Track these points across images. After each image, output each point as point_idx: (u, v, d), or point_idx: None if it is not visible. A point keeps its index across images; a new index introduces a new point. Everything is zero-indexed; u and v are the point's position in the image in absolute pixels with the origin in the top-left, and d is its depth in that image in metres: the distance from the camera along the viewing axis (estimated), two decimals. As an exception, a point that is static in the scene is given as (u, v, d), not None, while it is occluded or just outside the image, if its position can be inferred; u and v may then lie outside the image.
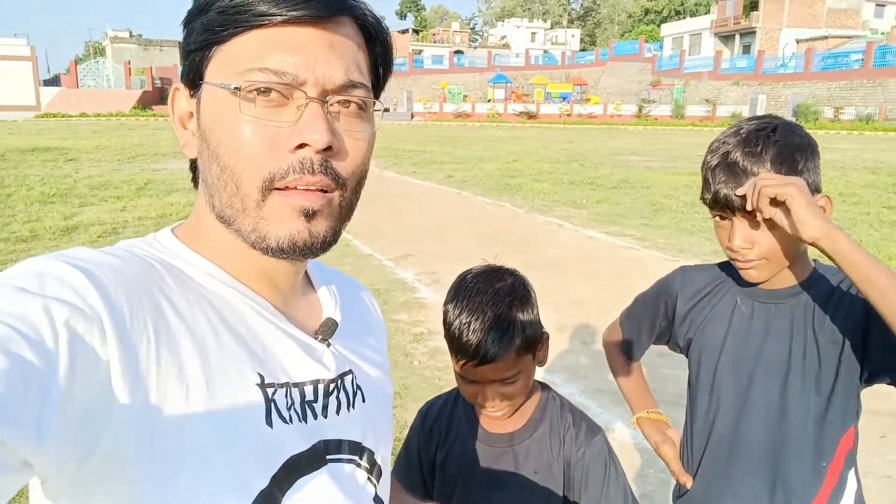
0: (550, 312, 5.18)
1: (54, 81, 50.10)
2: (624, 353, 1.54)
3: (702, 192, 1.24)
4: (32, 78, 43.12)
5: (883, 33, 45.16)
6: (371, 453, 0.73)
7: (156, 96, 45.81)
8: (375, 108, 0.67)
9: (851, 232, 8.06)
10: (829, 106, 35.10)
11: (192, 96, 0.65)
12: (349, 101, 0.63)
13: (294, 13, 0.58)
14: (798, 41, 46.21)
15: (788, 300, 1.24)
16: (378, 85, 0.69)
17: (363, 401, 0.74)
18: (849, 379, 1.20)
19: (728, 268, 1.35)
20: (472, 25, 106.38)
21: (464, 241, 7.66)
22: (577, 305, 5.43)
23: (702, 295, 1.36)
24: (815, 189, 1.15)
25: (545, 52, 66.66)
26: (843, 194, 11.14)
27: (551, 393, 1.29)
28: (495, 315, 1.11)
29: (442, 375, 4.04)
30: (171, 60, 54.36)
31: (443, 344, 4.51)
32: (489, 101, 46.74)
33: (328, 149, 0.60)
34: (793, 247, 1.18)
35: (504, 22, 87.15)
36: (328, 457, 0.67)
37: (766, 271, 1.20)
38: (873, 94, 33.99)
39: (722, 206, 1.19)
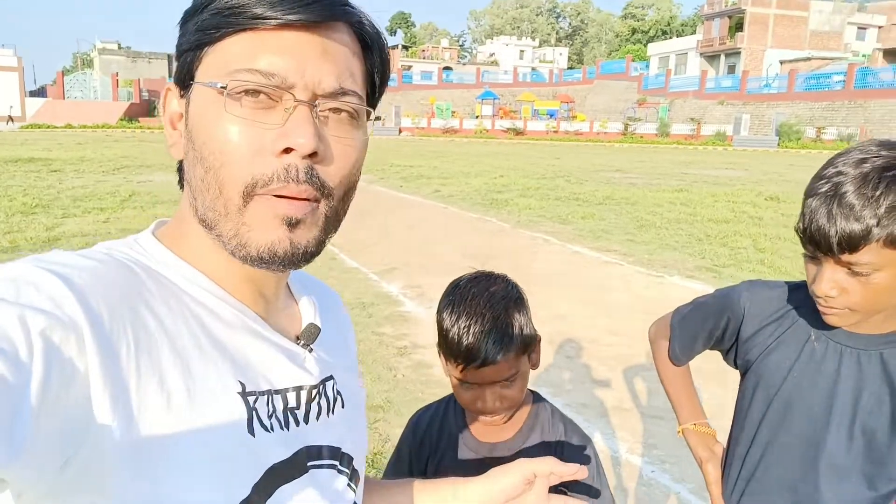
0: (536, 326, 5.17)
1: (40, 92, 49.84)
2: (671, 355, 1.45)
3: (797, 221, 1.08)
4: (18, 89, 42.86)
5: (864, 56, 46.05)
6: (350, 458, 0.73)
7: (143, 108, 45.68)
8: (368, 118, 0.65)
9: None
10: (811, 126, 35.62)
11: (182, 96, 0.64)
12: (340, 109, 0.61)
13: (290, 17, 0.57)
14: (782, 62, 46.98)
15: (871, 348, 1.14)
16: (373, 95, 0.68)
17: (342, 406, 0.74)
18: None
19: (804, 292, 1.21)
20: (461, 42, 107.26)
21: (450, 256, 7.66)
22: (562, 320, 5.43)
23: (771, 319, 1.25)
24: None
25: (533, 69, 67.26)
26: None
27: (543, 402, 1.28)
28: (494, 317, 1.11)
29: (425, 389, 4.02)
30: (160, 73, 54.34)
31: (427, 357, 4.51)
32: (477, 117, 47.04)
33: (314, 155, 0.58)
34: (890, 300, 1.05)
35: (493, 40, 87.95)
36: (309, 463, 0.66)
37: (850, 320, 1.08)
38: (854, 114, 34.56)
39: (814, 243, 1.03)
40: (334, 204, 0.62)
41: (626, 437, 3.55)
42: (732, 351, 1.34)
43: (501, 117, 46.08)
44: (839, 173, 1.01)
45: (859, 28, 53.65)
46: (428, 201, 12.35)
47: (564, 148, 32.16)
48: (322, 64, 0.59)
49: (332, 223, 0.64)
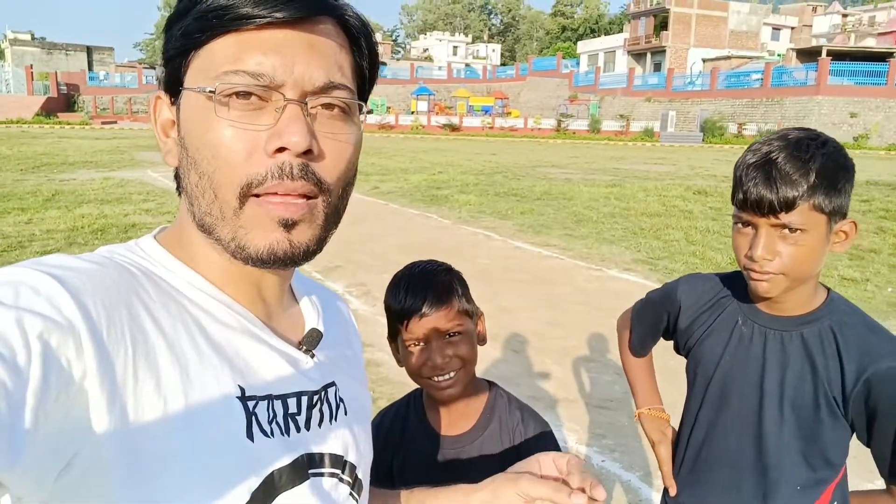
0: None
1: (-54, 85, 46.59)
2: (632, 347, 1.55)
3: (733, 193, 1.17)
4: (-79, 81, 40.04)
5: (779, 55, 48.44)
6: (353, 467, 0.72)
7: (61, 103, 43.47)
8: (361, 112, 0.65)
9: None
10: (733, 122, 37.18)
11: (172, 104, 0.63)
12: (332, 104, 0.61)
13: (276, 14, 0.56)
14: (704, 60, 48.83)
15: (792, 329, 1.21)
16: (365, 88, 0.67)
17: (345, 414, 0.73)
18: (838, 426, 1.19)
19: (732, 281, 1.32)
20: (394, 37, 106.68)
21: (393, 253, 7.64)
22: (506, 314, 5.51)
23: (704, 308, 1.34)
24: (843, 214, 1.12)
25: (467, 65, 67.62)
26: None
27: (499, 390, 1.32)
28: (432, 275, 1.23)
29: (376, 388, 4.01)
30: (79, 66, 51.67)
31: (376, 356, 4.46)
32: (413, 113, 46.90)
33: (308, 152, 0.58)
34: (814, 266, 1.14)
35: (426, 35, 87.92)
36: (310, 471, 0.65)
37: (779, 287, 1.14)
38: (772, 111, 36.25)
39: (752, 209, 1.12)
40: (333, 200, 0.62)
41: (574, 427, 3.65)
42: (675, 340, 1.44)
43: (437, 113, 46.12)
44: (767, 144, 1.14)
45: (774, 28, 56.52)
46: (368, 198, 12.27)
47: (500, 144, 32.50)
48: (310, 59, 0.59)
49: (332, 220, 0.64)
